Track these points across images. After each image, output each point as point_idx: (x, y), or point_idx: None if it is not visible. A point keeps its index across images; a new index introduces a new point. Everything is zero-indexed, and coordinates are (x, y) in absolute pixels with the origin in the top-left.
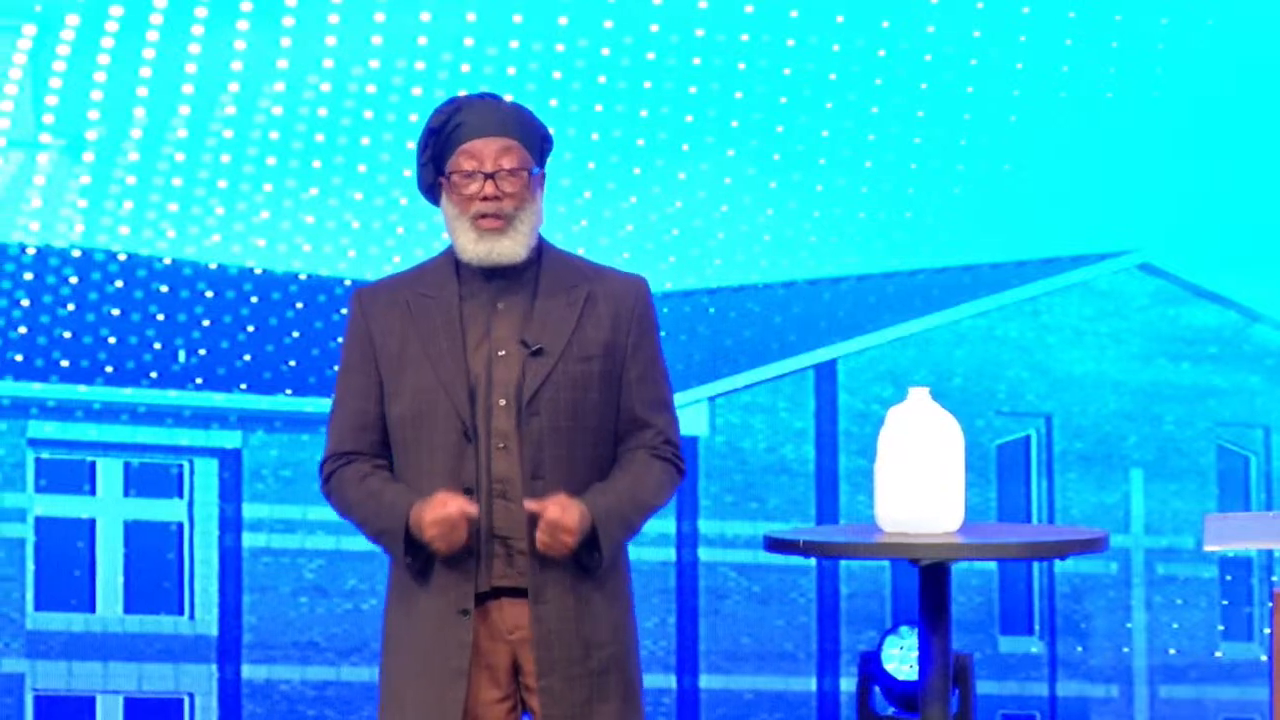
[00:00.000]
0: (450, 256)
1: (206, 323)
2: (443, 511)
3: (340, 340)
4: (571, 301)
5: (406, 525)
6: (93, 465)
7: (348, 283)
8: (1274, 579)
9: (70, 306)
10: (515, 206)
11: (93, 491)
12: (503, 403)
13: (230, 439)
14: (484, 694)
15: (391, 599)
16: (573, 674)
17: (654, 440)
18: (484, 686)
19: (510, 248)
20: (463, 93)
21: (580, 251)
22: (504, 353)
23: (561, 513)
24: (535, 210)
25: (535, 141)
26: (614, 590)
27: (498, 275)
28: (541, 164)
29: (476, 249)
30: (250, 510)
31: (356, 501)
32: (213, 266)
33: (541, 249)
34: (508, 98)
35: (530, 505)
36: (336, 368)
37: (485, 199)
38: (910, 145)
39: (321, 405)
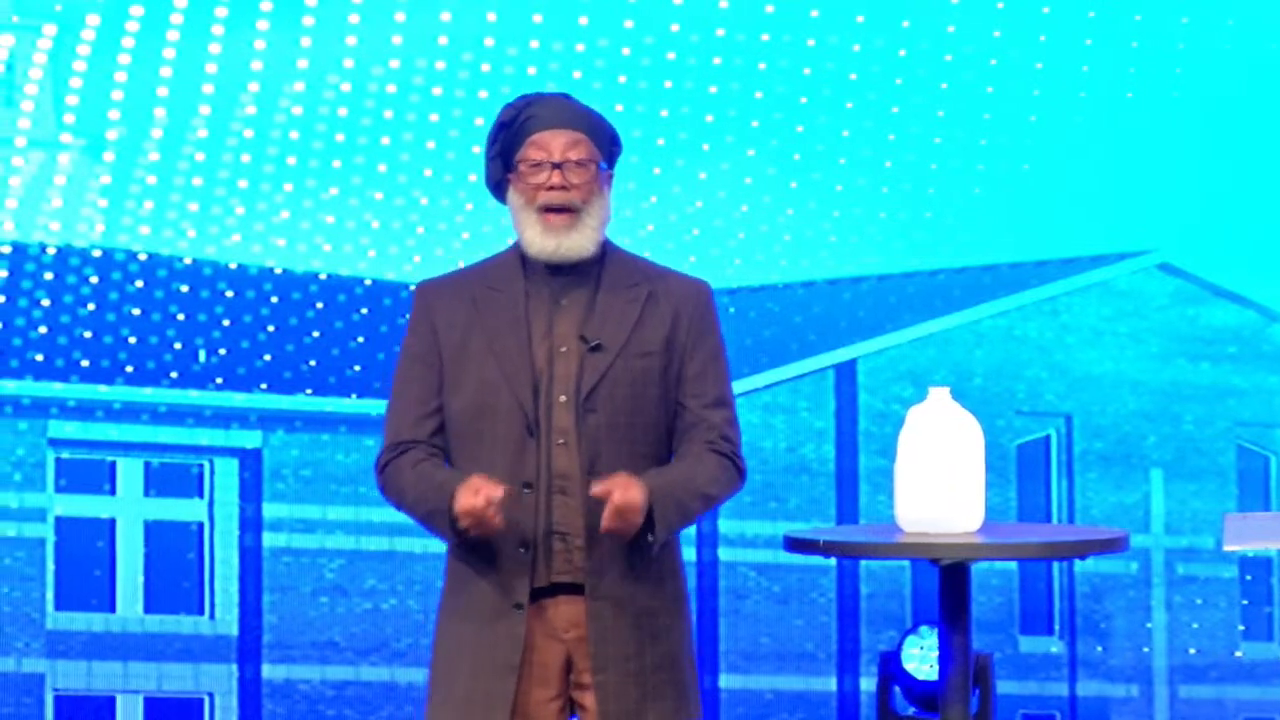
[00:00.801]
0: (516, 251)
1: (227, 322)
2: (470, 503)
3: (360, 340)
4: (633, 299)
5: (452, 505)
6: (113, 465)
7: (368, 282)
8: None
9: (91, 306)
10: (583, 199)
11: (113, 491)
12: (563, 399)
13: (250, 439)
14: (534, 692)
15: (447, 592)
16: (628, 670)
17: (710, 436)
18: (534, 684)
19: (578, 242)
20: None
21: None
22: (565, 349)
23: (625, 494)
24: (603, 206)
25: (604, 141)
26: (670, 589)
27: (562, 271)
28: (611, 165)
29: (544, 244)
30: (270, 510)
31: (409, 485)
32: (233, 266)
33: (606, 248)
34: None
35: (596, 490)
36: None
37: (552, 189)
38: (930, 145)
39: (341, 405)
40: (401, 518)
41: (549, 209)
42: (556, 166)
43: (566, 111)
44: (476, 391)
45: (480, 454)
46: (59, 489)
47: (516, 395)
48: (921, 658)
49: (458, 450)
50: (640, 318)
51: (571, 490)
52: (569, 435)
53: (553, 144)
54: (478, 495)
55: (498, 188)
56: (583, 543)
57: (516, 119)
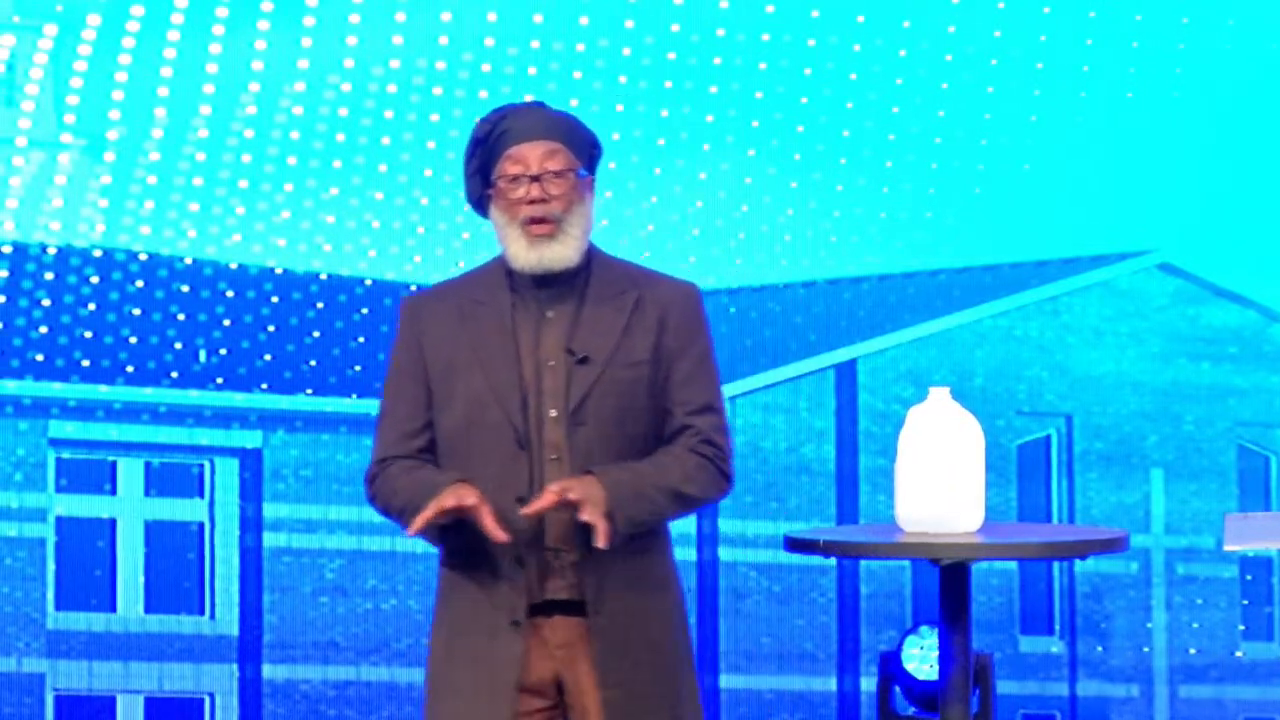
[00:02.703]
0: (502, 264)
1: (227, 322)
2: (455, 503)
3: (360, 340)
4: (619, 308)
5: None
6: (113, 465)
7: (368, 282)
8: None
9: (91, 306)
10: (563, 209)
11: (113, 491)
12: (553, 413)
13: (251, 439)
14: (526, 703)
15: (440, 606)
16: (631, 685)
17: (694, 440)
18: (529, 698)
19: (561, 253)
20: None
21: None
22: (553, 362)
23: (551, 497)
24: (585, 214)
25: (583, 147)
26: (668, 598)
27: (547, 283)
28: (591, 170)
29: (528, 256)
30: (271, 510)
31: (400, 488)
32: (233, 266)
33: (592, 255)
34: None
35: (529, 510)
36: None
37: (532, 202)
38: (931, 145)
39: (342, 405)
40: None
41: (531, 221)
42: (534, 179)
43: (541, 121)
44: (465, 407)
45: (472, 469)
46: (59, 489)
47: (505, 410)
48: (921, 658)
49: (449, 466)
50: (627, 327)
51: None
52: (561, 450)
53: (529, 156)
54: (464, 499)
55: (479, 204)
56: (577, 559)
57: (491, 133)
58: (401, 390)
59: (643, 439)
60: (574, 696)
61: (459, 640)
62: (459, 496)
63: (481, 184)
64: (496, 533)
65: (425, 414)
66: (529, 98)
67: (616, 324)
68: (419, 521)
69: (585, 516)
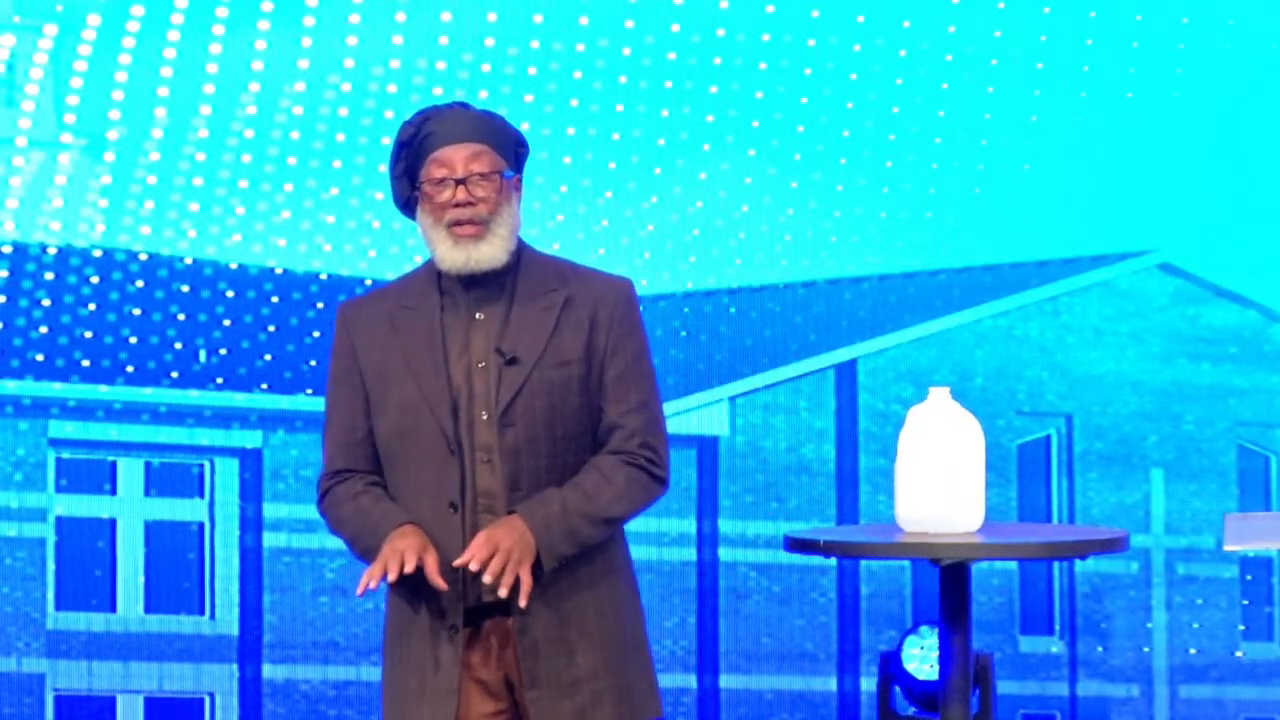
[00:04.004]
0: (432, 267)
1: (227, 322)
2: (393, 568)
3: None
4: (548, 306)
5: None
6: (113, 465)
7: (368, 282)
8: None
9: (91, 306)
10: (490, 211)
11: (113, 491)
12: (484, 416)
13: (251, 439)
14: (476, 708)
15: (389, 615)
16: (560, 683)
17: (627, 444)
18: (477, 701)
19: (488, 253)
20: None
21: (600, 252)
22: (483, 364)
23: (484, 549)
24: (512, 214)
25: (508, 146)
26: (606, 593)
27: (476, 284)
28: (518, 169)
29: (454, 257)
30: (271, 510)
31: (346, 518)
32: (234, 266)
33: (521, 254)
34: (461, 95)
35: (458, 563)
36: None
37: (458, 205)
38: (931, 145)
39: None
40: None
41: (456, 224)
42: (460, 182)
43: (465, 123)
44: (398, 413)
45: (407, 475)
46: (59, 489)
47: (435, 415)
48: (921, 658)
49: (387, 472)
50: (556, 326)
51: (497, 509)
52: (492, 452)
53: (454, 159)
54: (396, 561)
55: (406, 206)
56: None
57: (416, 136)
58: (340, 399)
59: (575, 438)
60: (519, 697)
61: (404, 645)
62: (402, 559)
63: (409, 186)
64: (439, 582)
65: (365, 421)
66: (459, 96)
67: (546, 323)
68: (364, 587)
69: (504, 590)
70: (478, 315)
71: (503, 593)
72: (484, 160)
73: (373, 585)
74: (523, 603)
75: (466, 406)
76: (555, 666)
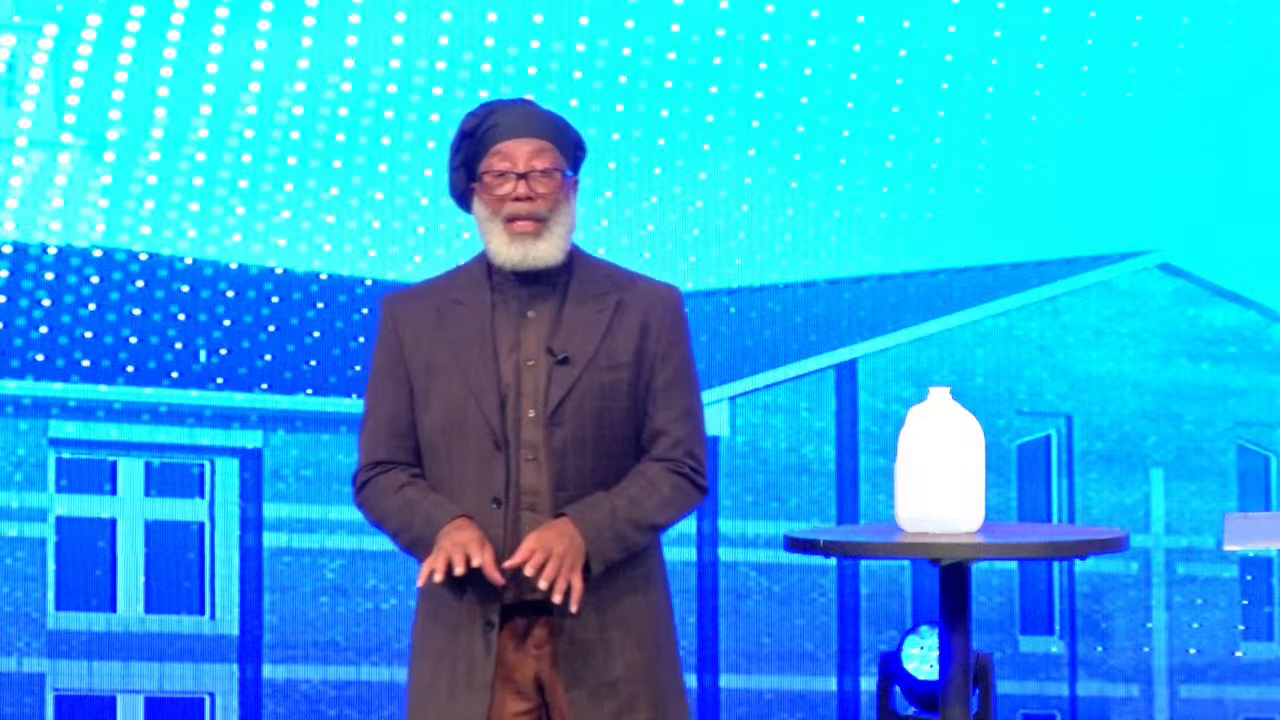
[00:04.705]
0: (483, 262)
1: (227, 322)
2: (449, 560)
3: (360, 340)
4: (601, 309)
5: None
6: (114, 465)
7: (368, 282)
8: None
9: (91, 306)
10: (549, 208)
11: (114, 491)
12: (532, 413)
13: (251, 439)
14: (508, 706)
15: (421, 608)
16: (599, 684)
17: (672, 452)
18: (508, 699)
19: (545, 251)
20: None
21: (600, 252)
22: (532, 362)
23: (538, 553)
24: (569, 214)
25: (569, 147)
26: (645, 598)
27: (529, 281)
28: (575, 170)
29: (510, 253)
30: (271, 510)
31: (391, 510)
32: (234, 266)
33: (574, 256)
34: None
35: (510, 564)
36: (363, 374)
37: (518, 199)
38: (931, 145)
39: (342, 405)
40: None
41: (514, 219)
42: (521, 176)
43: (530, 119)
44: (444, 408)
45: (450, 469)
46: (59, 489)
47: (483, 410)
48: (921, 658)
49: (430, 465)
50: (608, 329)
51: (541, 507)
52: (538, 450)
53: (517, 153)
54: (460, 554)
55: (462, 198)
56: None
57: (479, 128)
58: (383, 392)
59: (620, 441)
60: (551, 697)
61: (438, 641)
62: (465, 554)
63: (465, 178)
64: (496, 577)
65: (408, 415)
66: (530, 96)
67: (598, 325)
68: (425, 578)
69: (558, 597)
70: (529, 313)
71: (557, 599)
72: (546, 157)
73: (437, 578)
74: (574, 608)
75: (514, 403)
76: (595, 668)
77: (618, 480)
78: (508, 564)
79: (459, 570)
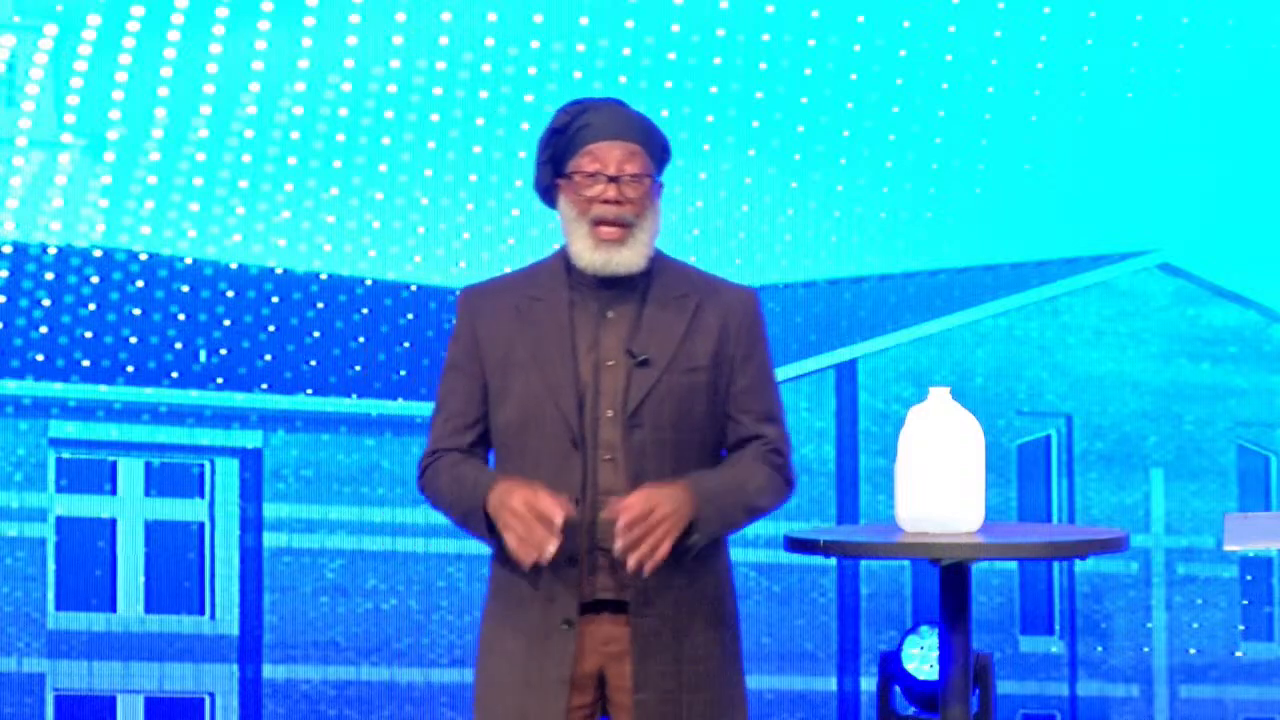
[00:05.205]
0: (562, 259)
1: (227, 322)
2: (535, 504)
3: (360, 340)
4: (680, 311)
5: (485, 504)
6: (114, 465)
7: (368, 282)
8: None
9: (91, 306)
10: (636, 214)
11: (114, 491)
12: (610, 413)
13: (251, 439)
14: (574, 698)
15: (490, 605)
16: (665, 689)
17: (762, 449)
18: (575, 693)
19: (629, 258)
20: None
21: None
22: (611, 362)
23: (645, 504)
24: (654, 220)
25: (657, 151)
26: (717, 607)
27: (610, 284)
28: (660, 174)
29: (593, 257)
30: (271, 510)
31: (443, 488)
32: (234, 266)
33: (653, 257)
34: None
35: (609, 512)
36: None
37: (606, 202)
38: (931, 145)
39: (342, 405)
40: (401, 518)
41: (601, 222)
42: (612, 180)
43: (623, 121)
44: (521, 405)
45: (525, 467)
46: (59, 489)
47: (561, 408)
48: (921, 658)
49: (503, 463)
50: (688, 331)
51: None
52: (616, 450)
53: (608, 156)
54: (530, 508)
55: (546, 193)
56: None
57: (571, 125)
58: (455, 384)
59: (698, 443)
60: (614, 693)
61: (512, 639)
62: (556, 513)
63: (551, 173)
64: (563, 510)
65: (479, 409)
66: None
67: (677, 328)
68: (533, 564)
69: (632, 563)
70: (609, 313)
71: (631, 565)
72: (638, 162)
73: (544, 559)
74: (647, 570)
75: (591, 403)
76: (664, 671)
77: None
78: (619, 514)
79: (551, 550)
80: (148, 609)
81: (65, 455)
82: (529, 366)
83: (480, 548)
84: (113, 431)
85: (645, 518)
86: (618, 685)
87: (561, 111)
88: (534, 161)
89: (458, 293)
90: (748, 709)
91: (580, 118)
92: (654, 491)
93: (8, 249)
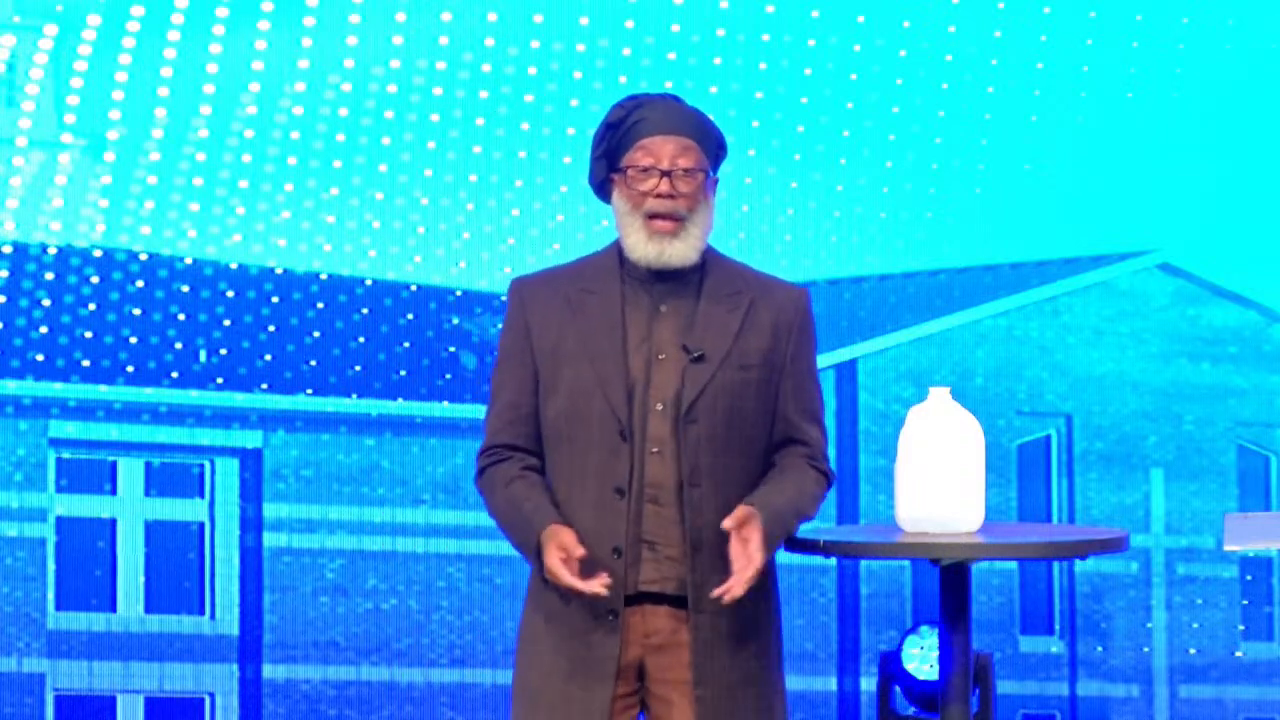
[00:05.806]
0: (614, 253)
1: (227, 322)
2: (556, 567)
3: (361, 340)
4: (734, 308)
5: (539, 546)
6: (114, 465)
7: (368, 282)
8: None
9: (91, 306)
10: (689, 208)
11: (114, 491)
12: (660, 407)
13: (251, 439)
14: (617, 688)
15: (532, 598)
16: (722, 685)
17: (807, 451)
18: (619, 683)
19: (682, 251)
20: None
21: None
22: (664, 356)
23: (750, 555)
24: (708, 214)
25: (711, 146)
26: (767, 604)
27: (663, 278)
28: (716, 169)
29: (647, 250)
30: (271, 510)
31: (498, 508)
32: (234, 266)
33: (707, 254)
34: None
35: (728, 524)
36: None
37: (660, 196)
38: (931, 145)
39: (342, 405)
40: (401, 518)
41: (654, 216)
42: (665, 174)
43: (677, 116)
44: (570, 395)
45: (573, 459)
46: (59, 489)
47: (610, 400)
48: (921, 658)
49: (552, 454)
50: (741, 329)
51: (664, 500)
52: (665, 444)
53: (662, 150)
54: (564, 561)
55: (600, 188)
56: (677, 553)
57: (625, 120)
58: (507, 375)
59: (749, 440)
60: (658, 685)
61: (554, 629)
62: (599, 590)
63: (606, 168)
64: (595, 589)
65: (531, 399)
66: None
67: (731, 325)
68: (594, 594)
69: (728, 599)
70: (662, 308)
71: (727, 600)
72: (691, 156)
73: (602, 592)
74: (727, 598)
75: (641, 396)
76: (720, 666)
77: (745, 477)
78: (736, 580)
79: (599, 588)
80: (148, 609)
81: (65, 455)
82: (579, 358)
83: (480, 548)
84: (113, 431)
85: (746, 551)
86: (658, 677)
87: (617, 107)
88: (589, 157)
89: (509, 284)
90: (787, 708)
91: (635, 113)
92: (754, 551)
93: (8, 249)
